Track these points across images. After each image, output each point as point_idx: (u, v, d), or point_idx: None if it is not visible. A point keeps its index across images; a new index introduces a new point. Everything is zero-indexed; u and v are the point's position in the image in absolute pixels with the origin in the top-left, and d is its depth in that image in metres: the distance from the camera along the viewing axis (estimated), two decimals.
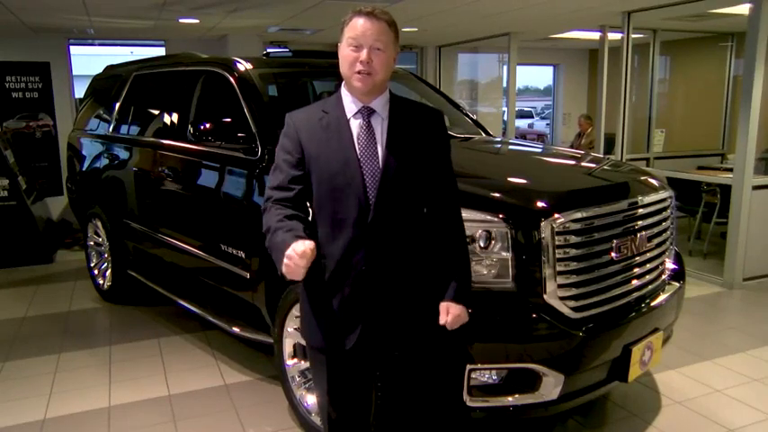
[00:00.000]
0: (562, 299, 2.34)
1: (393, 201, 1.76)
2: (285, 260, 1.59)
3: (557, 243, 2.32)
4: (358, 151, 1.76)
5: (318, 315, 1.83)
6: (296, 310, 2.67)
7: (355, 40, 1.74)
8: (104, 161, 4.63)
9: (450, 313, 1.83)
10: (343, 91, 1.84)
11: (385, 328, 1.81)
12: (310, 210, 1.85)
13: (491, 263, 2.30)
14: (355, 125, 1.80)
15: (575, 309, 2.37)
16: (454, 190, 1.91)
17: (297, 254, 1.57)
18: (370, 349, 1.83)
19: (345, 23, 1.78)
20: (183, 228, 3.69)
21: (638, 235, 2.61)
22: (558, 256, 2.32)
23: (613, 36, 6.82)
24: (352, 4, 1.80)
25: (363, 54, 1.73)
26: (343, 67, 1.77)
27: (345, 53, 1.76)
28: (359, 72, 1.73)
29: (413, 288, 1.83)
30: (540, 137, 15.24)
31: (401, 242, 1.79)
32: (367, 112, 1.80)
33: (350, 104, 1.81)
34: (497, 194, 2.47)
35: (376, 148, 1.77)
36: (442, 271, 1.86)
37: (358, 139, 1.78)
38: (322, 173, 1.77)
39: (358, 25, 1.74)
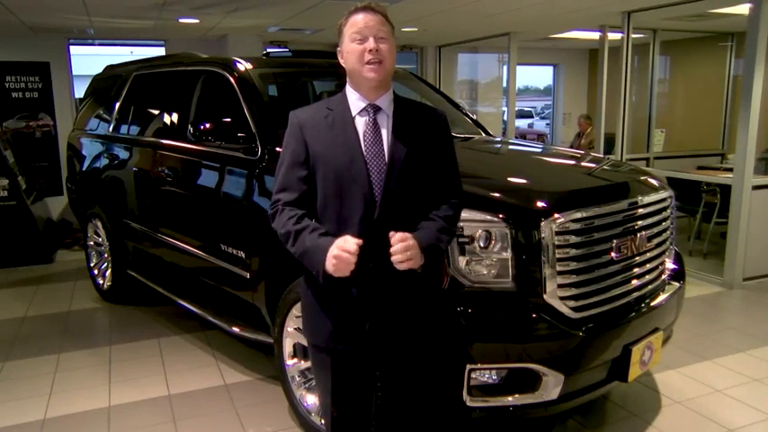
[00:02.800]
0: (562, 299, 2.34)
1: (399, 197, 1.76)
2: (334, 260, 1.65)
3: (557, 243, 2.32)
4: (364, 148, 1.76)
5: (323, 314, 1.83)
6: (296, 310, 2.67)
7: (359, 33, 1.75)
8: (104, 161, 4.63)
9: (399, 237, 1.67)
10: (348, 89, 1.84)
11: (392, 325, 1.80)
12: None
13: (491, 263, 2.30)
14: (361, 122, 1.80)
15: (575, 309, 2.36)
16: (460, 193, 1.92)
17: (349, 251, 1.63)
18: (376, 347, 1.83)
19: (344, 24, 1.80)
20: (183, 228, 3.68)
21: (638, 235, 2.61)
22: (558, 256, 2.32)
23: (613, 36, 6.82)
24: (352, 4, 1.80)
25: (371, 42, 1.74)
26: (352, 62, 1.77)
27: (351, 48, 1.76)
28: (369, 62, 1.74)
29: (418, 285, 1.82)
30: (540, 137, 15.24)
31: None
32: (373, 110, 1.80)
33: (355, 102, 1.82)
34: (497, 194, 2.47)
35: (382, 144, 1.78)
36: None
37: (364, 136, 1.78)
38: (328, 170, 1.77)
39: (359, 19, 1.76)
